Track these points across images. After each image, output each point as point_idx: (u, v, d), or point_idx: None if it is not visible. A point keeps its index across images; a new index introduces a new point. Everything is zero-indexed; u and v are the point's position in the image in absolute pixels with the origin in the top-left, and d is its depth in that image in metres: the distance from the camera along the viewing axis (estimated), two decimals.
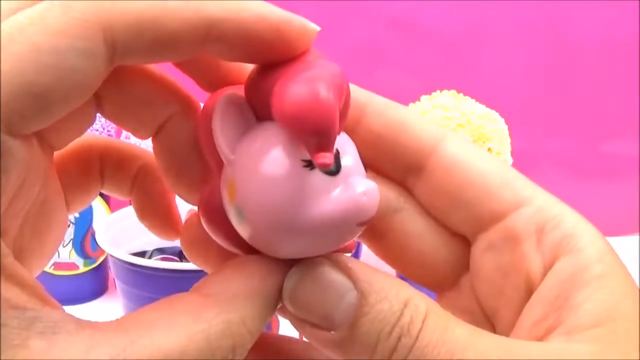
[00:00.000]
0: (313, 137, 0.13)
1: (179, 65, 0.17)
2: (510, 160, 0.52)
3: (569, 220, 0.16)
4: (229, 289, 0.14)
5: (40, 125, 0.13)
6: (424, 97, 0.54)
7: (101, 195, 0.52)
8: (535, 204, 0.16)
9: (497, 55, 0.72)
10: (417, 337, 0.14)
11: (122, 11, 0.13)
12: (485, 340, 0.14)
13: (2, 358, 0.12)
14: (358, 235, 0.15)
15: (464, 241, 0.18)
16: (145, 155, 0.19)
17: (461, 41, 0.72)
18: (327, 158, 0.13)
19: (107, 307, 0.57)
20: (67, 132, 0.17)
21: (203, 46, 0.14)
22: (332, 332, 0.15)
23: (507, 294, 0.16)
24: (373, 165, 0.18)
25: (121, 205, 0.54)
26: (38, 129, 0.13)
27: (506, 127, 0.52)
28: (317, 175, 0.14)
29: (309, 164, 0.14)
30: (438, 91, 0.55)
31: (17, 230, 0.15)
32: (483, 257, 0.17)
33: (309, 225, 0.14)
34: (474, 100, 0.53)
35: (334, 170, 0.14)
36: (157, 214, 0.20)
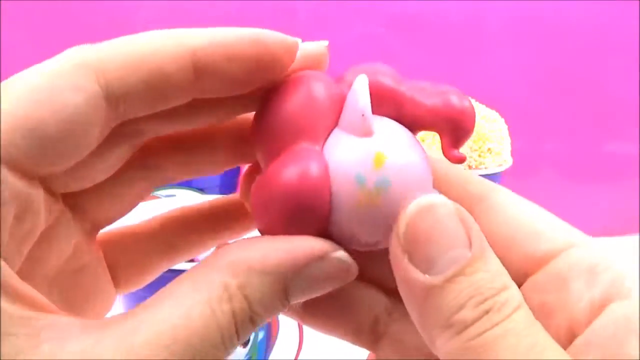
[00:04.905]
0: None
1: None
2: (510, 160, 0.52)
3: (622, 262, 0.15)
4: (230, 256, 0.15)
5: (42, 164, 0.14)
6: None
7: None
8: (587, 245, 0.16)
9: (498, 55, 0.72)
10: (506, 317, 0.14)
11: (111, 52, 0.14)
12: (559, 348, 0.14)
13: None
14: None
15: None
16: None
17: (461, 41, 0.72)
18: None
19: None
20: (110, 209, 0.18)
21: (194, 81, 0.15)
22: (426, 275, 0.14)
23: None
24: None
25: None
26: (42, 169, 0.14)
27: (506, 127, 0.52)
28: None
29: None
30: None
31: (43, 282, 0.16)
32: (528, 299, 0.16)
33: None
34: (474, 100, 0.53)
35: None
36: None
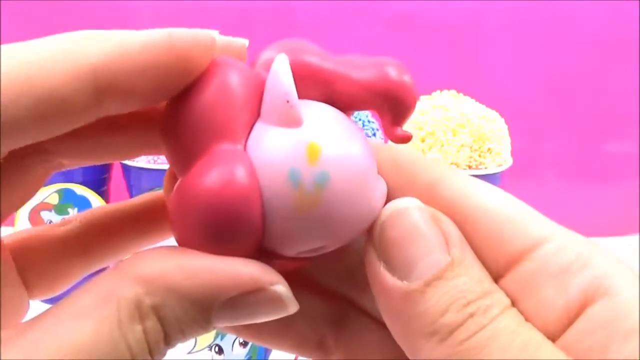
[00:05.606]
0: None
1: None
2: (510, 160, 0.52)
3: (599, 259, 0.13)
4: (146, 267, 0.13)
5: None
6: (424, 97, 0.54)
7: (99, 193, 0.52)
8: (556, 241, 0.14)
9: (497, 55, 0.72)
10: (493, 319, 0.13)
11: None
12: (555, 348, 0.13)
13: None
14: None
15: None
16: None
17: (461, 41, 0.72)
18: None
19: None
20: (2, 201, 0.16)
21: (98, 101, 0.13)
22: (405, 282, 0.13)
23: None
24: None
25: None
26: None
27: (506, 127, 0.52)
28: None
29: None
30: (438, 91, 0.55)
31: None
32: None
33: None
34: (474, 100, 0.53)
35: None
36: None
